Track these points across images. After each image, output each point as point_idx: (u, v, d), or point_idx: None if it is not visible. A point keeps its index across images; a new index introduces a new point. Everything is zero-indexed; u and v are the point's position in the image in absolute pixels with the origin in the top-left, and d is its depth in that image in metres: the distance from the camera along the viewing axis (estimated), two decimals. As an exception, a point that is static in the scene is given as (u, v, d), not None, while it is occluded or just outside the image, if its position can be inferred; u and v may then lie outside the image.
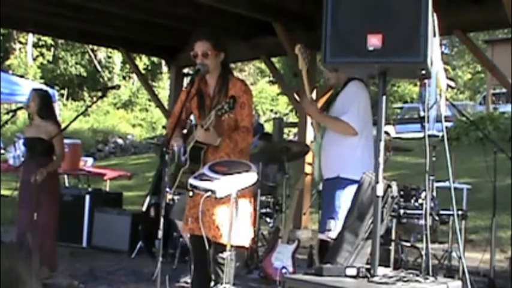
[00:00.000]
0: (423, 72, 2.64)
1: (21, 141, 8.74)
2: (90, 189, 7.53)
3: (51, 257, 5.09)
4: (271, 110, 25.36)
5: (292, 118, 20.22)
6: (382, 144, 2.73)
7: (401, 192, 4.92)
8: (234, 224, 3.27)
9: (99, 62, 28.82)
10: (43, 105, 5.14)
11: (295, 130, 12.37)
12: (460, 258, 4.69)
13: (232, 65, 5.63)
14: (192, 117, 3.90)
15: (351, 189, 3.39)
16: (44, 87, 6.74)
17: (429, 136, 3.27)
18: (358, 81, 3.93)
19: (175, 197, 6.08)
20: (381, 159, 2.74)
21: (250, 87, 3.75)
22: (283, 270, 5.02)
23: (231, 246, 3.31)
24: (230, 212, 3.26)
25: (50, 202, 5.02)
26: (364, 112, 3.89)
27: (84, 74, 28.75)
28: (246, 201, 3.56)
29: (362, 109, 3.87)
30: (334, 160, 3.94)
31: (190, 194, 3.27)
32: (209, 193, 3.13)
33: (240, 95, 3.54)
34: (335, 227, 3.69)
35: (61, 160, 5.16)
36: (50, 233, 5.07)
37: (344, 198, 3.72)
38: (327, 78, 4.20)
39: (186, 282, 5.26)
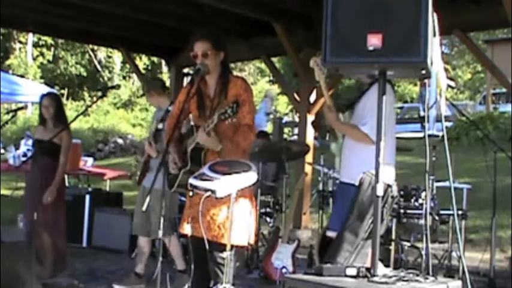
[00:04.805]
0: (423, 72, 2.64)
1: (29, 141, 8.75)
2: (90, 189, 7.54)
3: (62, 255, 5.15)
4: (271, 110, 25.33)
5: (292, 118, 20.21)
6: (382, 144, 2.73)
7: (401, 192, 4.93)
8: (234, 224, 3.27)
9: (99, 62, 28.80)
10: (59, 111, 5.17)
11: (295, 130, 12.39)
12: (460, 258, 4.70)
13: (232, 65, 5.62)
14: (190, 117, 3.88)
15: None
16: (52, 90, 6.74)
17: (429, 136, 3.27)
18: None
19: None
20: (381, 159, 2.74)
21: (250, 85, 3.74)
22: (283, 270, 5.02)
23: (231, 246, 3.31)
24: (230, 211, 3.25)
25: (57, 203, 5.03)
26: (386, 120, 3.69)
27: (84, 74, 28.72)
28: (246, 201, 3.55)
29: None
30: (353, 167, 3.74)
31: (190, 193, 3.27)
32: (209, 193, 3.13)
33: (240, 93, 3.53)
34: None
35: (64, 168, 5.14)
36: (60, 233, 5.12)
37: None
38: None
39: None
